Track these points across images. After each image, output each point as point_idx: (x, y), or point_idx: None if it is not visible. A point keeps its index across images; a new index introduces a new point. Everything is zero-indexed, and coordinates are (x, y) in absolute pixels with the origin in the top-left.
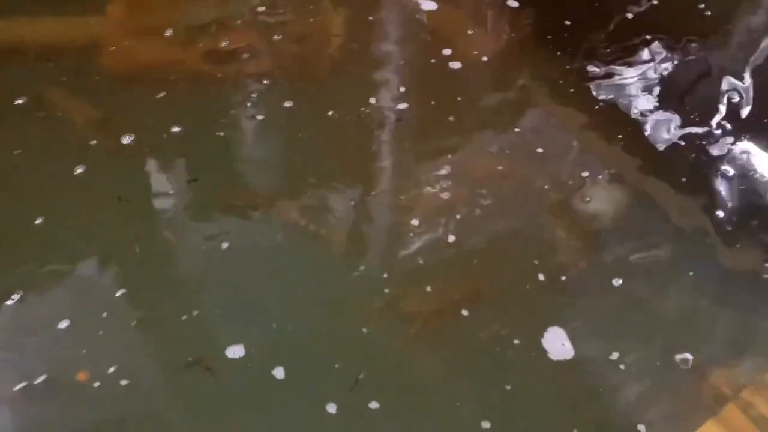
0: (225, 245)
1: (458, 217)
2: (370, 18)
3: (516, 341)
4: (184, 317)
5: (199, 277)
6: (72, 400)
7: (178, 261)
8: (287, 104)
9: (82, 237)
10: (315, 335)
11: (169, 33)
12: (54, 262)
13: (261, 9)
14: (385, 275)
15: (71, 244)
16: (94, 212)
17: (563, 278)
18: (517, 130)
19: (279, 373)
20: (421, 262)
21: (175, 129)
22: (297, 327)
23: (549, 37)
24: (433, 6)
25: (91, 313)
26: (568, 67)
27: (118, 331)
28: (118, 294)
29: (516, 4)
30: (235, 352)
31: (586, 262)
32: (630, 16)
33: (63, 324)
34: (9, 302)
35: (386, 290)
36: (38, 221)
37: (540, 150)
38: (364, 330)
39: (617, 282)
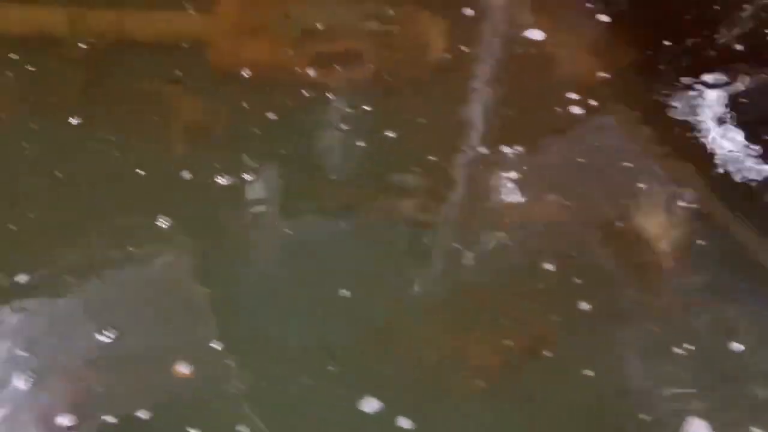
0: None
1: (548, 257)
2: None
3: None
4: None
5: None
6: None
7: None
8: (386, 114)
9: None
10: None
11: (276, 34)
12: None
13: (370, 17)
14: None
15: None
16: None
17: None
18: (622, 165)
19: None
20: (510, 302)
21: (274, 129)
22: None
23: (649, 53)
24: (541, 36)
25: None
26: (674, 86)
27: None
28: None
29: (608, 19)
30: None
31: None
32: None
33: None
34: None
35: (465, 331)
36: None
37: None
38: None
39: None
